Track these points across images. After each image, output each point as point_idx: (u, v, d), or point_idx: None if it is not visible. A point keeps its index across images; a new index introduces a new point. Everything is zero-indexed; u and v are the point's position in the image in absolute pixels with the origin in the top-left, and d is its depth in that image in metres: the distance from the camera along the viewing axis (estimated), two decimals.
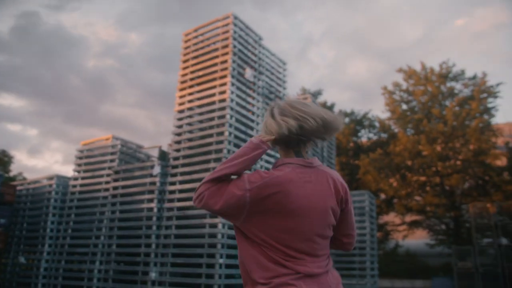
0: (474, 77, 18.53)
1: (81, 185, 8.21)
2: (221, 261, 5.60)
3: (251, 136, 6.63)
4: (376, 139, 21.18)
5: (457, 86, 19.09)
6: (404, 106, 19.63)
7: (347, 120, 21.14)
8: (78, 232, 7.88)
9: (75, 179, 8.33)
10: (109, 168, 7.82)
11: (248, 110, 6.70)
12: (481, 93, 17.83)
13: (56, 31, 47.90)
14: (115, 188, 7.43)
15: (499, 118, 30.25)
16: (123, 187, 7.32)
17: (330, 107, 21.35)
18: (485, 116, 17.72)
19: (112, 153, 7.99)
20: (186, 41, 7.32)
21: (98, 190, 7.81)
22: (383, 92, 19.76)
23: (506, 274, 14.27)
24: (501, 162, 18.01)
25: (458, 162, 17.90)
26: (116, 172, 7.54)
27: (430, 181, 18.80)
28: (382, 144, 19.88)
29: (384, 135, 20.31)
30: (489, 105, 18.03)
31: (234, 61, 6.54)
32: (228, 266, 5.80)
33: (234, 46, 6.63)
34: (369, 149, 20.18)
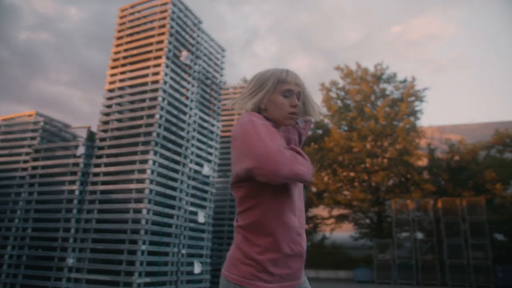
0: (405, 81, 19.64)
1: None
2: (143, 247, 5.42)
3: (183, 121, 6.47)
4: (311, 134, 21.75)
5: (389, 88, 20.11)
6: (340, 103, 20.34)
7: None
8: None
9: None
10: (29, 146, 7.26)
11: (182, 94, 6.52)
12: (410, 96, 18.94)
13: None
14: (34, 168, 6.92)
15: (423, 121, 32.34)
16: (43, 167, 6.83)
17: None
18: (411, 118, 18.85)
19: (33, 130, 7.42)
20: (121, 17, 6.95)
21: (15, 170, 7.22)
22: (321, 88, 20.34)
23: (419, 266, 15.39)
24: (422, 162, 19.30)
25: (385, 160, 18.93)
26: (36, 151, 7.02)
27: (359, 177, 19.70)
28: (317, 138, 20.46)
29: (319, 131, 20.90)
30: (416, 108, 19.22)
31: (170, 42, 6.31)
32: (150, 253, 5.63)
33: (172, 27, 6.40)
34: (305, 143, 20.69)
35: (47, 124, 7.55)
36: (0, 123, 7.87)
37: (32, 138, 7.35)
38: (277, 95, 1.37)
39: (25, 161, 7.17)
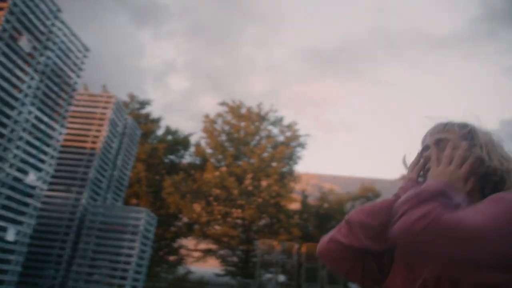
0: (289, 125, 20.29)
1: None
2: None
3: (8, 116, 5.37)
4: (189, 163, 21.14)
5: (275, 130, 20.57)
6: (224, 138, 20.16)
7: (169, 137, 20.68)
8: None
9: None
10: None
11: (14, 85, 5.47)
12: (292, 141, 19.56)
13: None
14: None
15: (302, 167, 33.93)
16: None
17: (157, 120, 20.67)
18: (290, 162, 19.40)
19: None
20: None
21: None
22: (205, 120, 20.03)
23: None
24: (295, 206, 19.80)
25: (260, 200, 19.00)
26: None
27: (232, 213, 19.44)
28: (197, 168, 19.91)
29: (197, 161, 20.44)
30: (298, 154, 19.89)
31: (8, 21, 5.30)
32: None
33: (15, 4, 5.40)
34: (185, 170, 19.98)
35: None
36: None
37: None
38: None
39: None
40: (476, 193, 0.99)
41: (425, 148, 1.09)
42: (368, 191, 19.77)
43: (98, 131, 8.28)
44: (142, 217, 7.57)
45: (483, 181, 1.00)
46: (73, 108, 7.21)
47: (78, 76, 6.86)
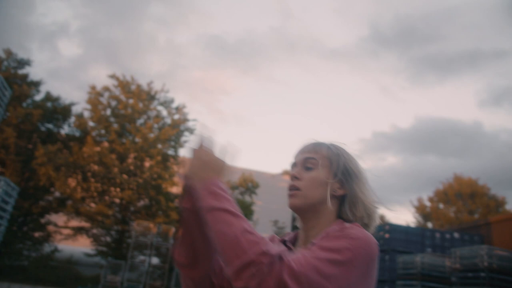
0: (178, 108, 20.15)
1: None
2: None
3: None
4: (67, 134, 19.79)
5: (164, 112, 20.23)
6: (109, 112, 19.23)
7: (49, 104, 19.05)
8: None
9: None
10: None
11: None
12: (180, 123, 19.47)
13: None
14: None
15: (186, 152, 33.93)
16: None
17: (36, 84, 18.91)
18: (176, 146, 19.31)
19: None
20: None
21: None
22: (90, 91, 18.89)
23: None
24: (177, 190, 19.78)
25: (140, 180, 18.59)
26: None
27: (110, 191, 18.72)
28: (76, 140, 18.71)
29: (77, 133, 19.23)
30: (184, 138, 19.84)
31: None
32: None
33: None
34: (62, 142, 18.61)
35: None
36: None
37: None
38: None
39: None
40: (332, 216, 1.11)
41: (293, 165, 1.17)
42: (248, 182, 20.62)
43: None
44: (1, 186, 6.99)
45: (341, 203, 1.12)
46: None
47: None
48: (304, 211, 1.11)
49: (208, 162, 1.01)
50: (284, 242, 1.18)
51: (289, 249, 1.12)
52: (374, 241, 0.96)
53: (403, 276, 10.80)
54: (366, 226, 1.10)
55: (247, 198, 20.68)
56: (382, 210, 1.18)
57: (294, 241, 1.19)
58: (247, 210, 19.77)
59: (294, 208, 1.12)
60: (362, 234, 0.96)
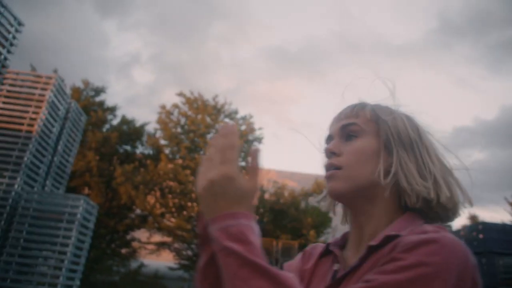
0: (244, 118, 20.17)
1: None
2: None
3: None
4: (142, 153, 20.60)
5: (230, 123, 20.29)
6: (180, 130, 19.72)
7: (125, 127, 20.05)
8: None
9: None
10: None
11: None
12: (248, 134, 19.47)
13: None
14: None
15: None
16: None
17: (112, 109, 20.01)
18: (245, 156, 19.26)
19: None
20: None
21: None
22: (161, 111, 19.55)
23: None
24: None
25: None
26: None
27: (187, 206, 19.11)
28: (151, 158, 19.41)
29: (151, 152, 19.96)
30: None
31: None
32: None
33: None
34: (139, 161, 19.43)
35: None
36: None
37: None
38: None
39: None
40: (391, 203, 0.78)
41: (328, 138, 0.89)
42: (321, 187, 20.01)
43: (36, 113, 7.79)
44: (80, 205, 7.20)
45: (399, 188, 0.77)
46: (7, 87, 6.74)
47: (10, 52, 6.40)
48: (351, 199, 0.80)
49: (225, 186, 0.64)
50: (327, 246, 0.88)
51: (333, 253, 0.84)
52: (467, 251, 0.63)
53: (507, 281, 9.50)
54: (446, 211, 0.75)
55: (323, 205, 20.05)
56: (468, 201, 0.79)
57: (343, 244, 0.87)
58: (325, 217, 19.15)
59: (336, 195, 0.81)
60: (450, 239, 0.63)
